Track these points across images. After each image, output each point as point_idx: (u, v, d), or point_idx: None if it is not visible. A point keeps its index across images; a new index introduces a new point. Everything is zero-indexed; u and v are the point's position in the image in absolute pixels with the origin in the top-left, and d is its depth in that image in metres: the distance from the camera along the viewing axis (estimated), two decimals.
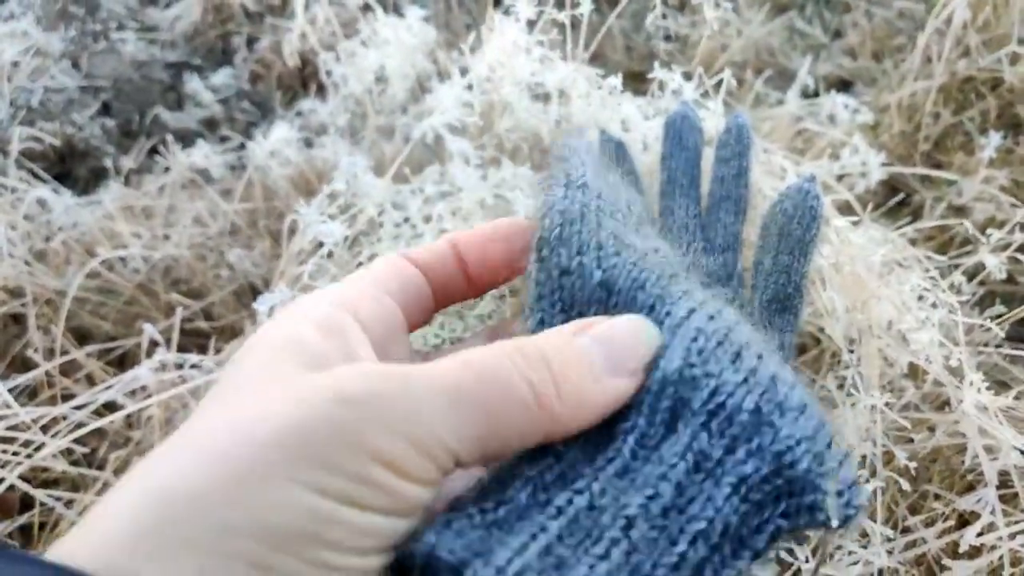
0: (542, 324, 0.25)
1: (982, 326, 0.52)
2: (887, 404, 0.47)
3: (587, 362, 0.22)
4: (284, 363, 0.22)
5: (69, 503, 0.54)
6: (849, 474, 0.21)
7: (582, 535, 0.20)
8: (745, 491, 0.20)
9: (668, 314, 0.23)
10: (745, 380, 0.21)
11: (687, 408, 0.21)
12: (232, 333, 0.68)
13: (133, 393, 0.55)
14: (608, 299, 0.24)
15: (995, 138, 0.68)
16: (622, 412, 0.22)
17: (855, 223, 0.52)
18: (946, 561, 0.44)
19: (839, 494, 0.21)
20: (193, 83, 0.92)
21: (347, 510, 0.19)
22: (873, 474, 0.46)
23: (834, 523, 0.21)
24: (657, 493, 0.20)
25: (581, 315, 0.25)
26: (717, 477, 0.20)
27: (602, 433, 0.22)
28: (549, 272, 0.25)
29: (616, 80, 0.59)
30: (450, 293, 0.30)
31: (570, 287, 0.24)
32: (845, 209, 0.58)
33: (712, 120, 0.57)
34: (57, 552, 0.18)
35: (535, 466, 0.22)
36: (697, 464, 0.20)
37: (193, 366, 0.56)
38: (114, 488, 0.20)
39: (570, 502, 0.20)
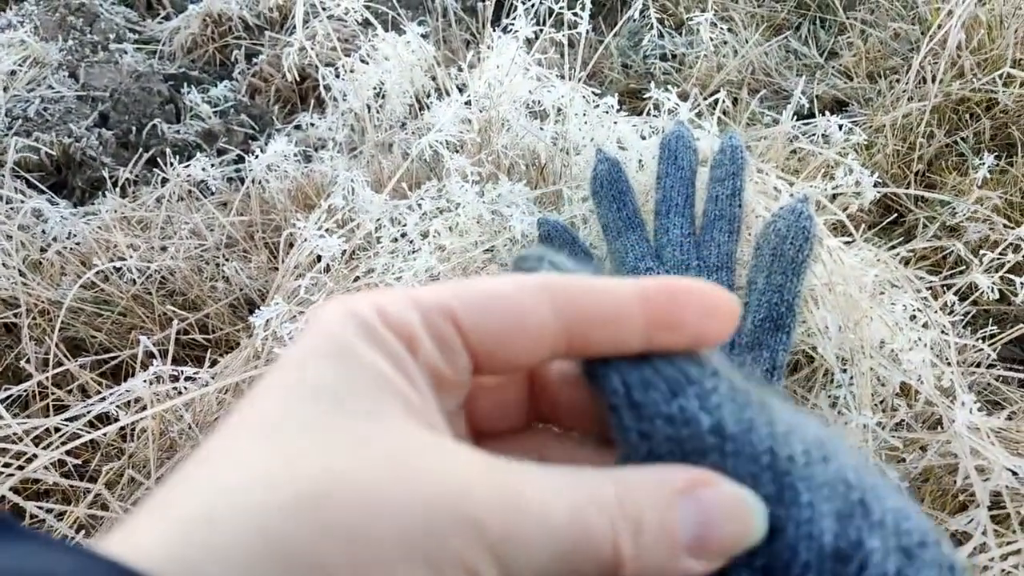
0: None
1: (974, 346, 0.53)
2: (879, 423, 0.47)
3: (676, 537, 0.19)
4: (389, 402, 0.19)
5: (60, 515, 0.54)
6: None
7: None
8: None
9: (791, 459, 0.20)
10: (883, 541, 0.20)
11: None
12: (227, 346, 0.68)
13: (127, 405, 0.55)
14: (723, 445, 0.20)
15: (989, 159, 0.68)
16: None
17: (848, 243, 0.53)
18: None
19: None
20: (191, 96, 0.92)
21: None
22: None
23: None
24: None
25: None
26: None
27: None
28: (650, 420, 0.21)
29: (612, 100, 0.59)
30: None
31: (676, 437, 0.20)
32: (839, 229, 0.59)
33: (707, 140, 0.57)
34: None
35: None
36: None
37: (188, 379, 0.56)
38: (184, 510, 0.17)
39: None
